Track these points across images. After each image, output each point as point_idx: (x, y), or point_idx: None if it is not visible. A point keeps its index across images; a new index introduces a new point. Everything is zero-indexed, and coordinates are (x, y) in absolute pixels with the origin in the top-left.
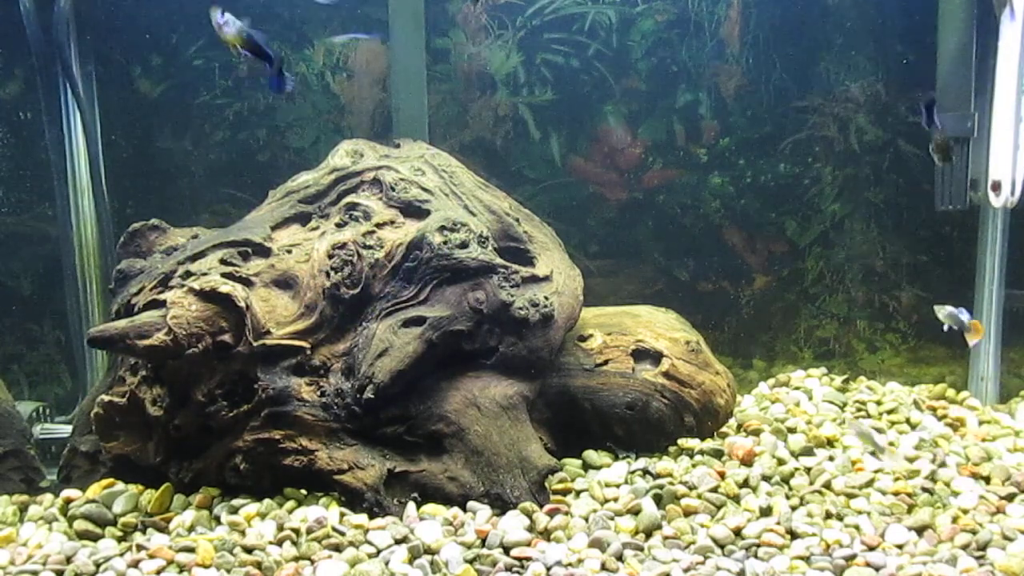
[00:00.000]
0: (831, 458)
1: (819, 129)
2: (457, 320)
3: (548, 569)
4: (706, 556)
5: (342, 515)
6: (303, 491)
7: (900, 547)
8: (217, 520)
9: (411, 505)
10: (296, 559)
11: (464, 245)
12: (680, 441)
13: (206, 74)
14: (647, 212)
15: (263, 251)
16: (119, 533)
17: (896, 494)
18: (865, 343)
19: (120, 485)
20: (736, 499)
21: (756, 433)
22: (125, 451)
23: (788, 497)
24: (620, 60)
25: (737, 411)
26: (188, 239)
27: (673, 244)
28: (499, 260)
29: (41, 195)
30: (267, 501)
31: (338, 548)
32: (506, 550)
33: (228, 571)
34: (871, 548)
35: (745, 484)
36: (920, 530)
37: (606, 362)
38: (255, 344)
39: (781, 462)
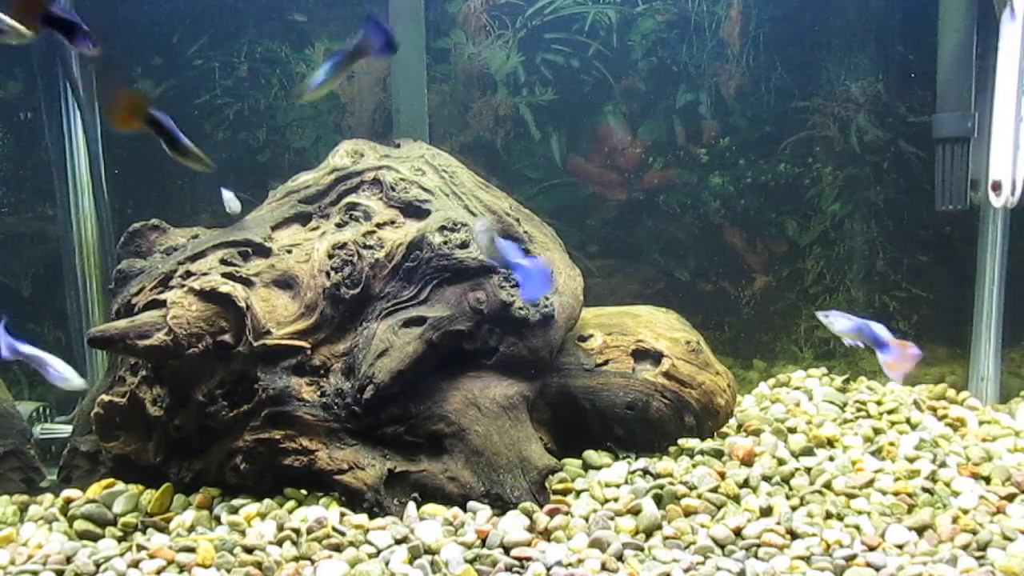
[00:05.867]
0: (831, 458)
1: (819, 129)
2: (457, 320)
3: (548, 569)
4: (706, 556)
5: (342, 515)
6: (303, 491)
7: (900, 547)
8: (217, 520)
9: (411, 505)
10: (296, 559)
11: (464, 245)
12: (680, 441)
13: (206, 74)
14: (647, 212)
15: (263, 251)
16: (119, 533)
17: (896, 494)
18: None
19: (120, 485)
20: (736, 499)
21: (756, 433)
22: (125, 451)
23: (788, 497)
24: (620, 60)
25: (737, 411)
26: (188, 239)
27: (673, 244)
28: None
29: (41, 195)
30: (267, 501)
31: (338, 548)
32: (506, 550)
33: (228, 571)
34: (871, 548)
35: (745, 484)
36: (920, 530)
37: (606, 362)
38: (255, 344)
39: (781, 462)
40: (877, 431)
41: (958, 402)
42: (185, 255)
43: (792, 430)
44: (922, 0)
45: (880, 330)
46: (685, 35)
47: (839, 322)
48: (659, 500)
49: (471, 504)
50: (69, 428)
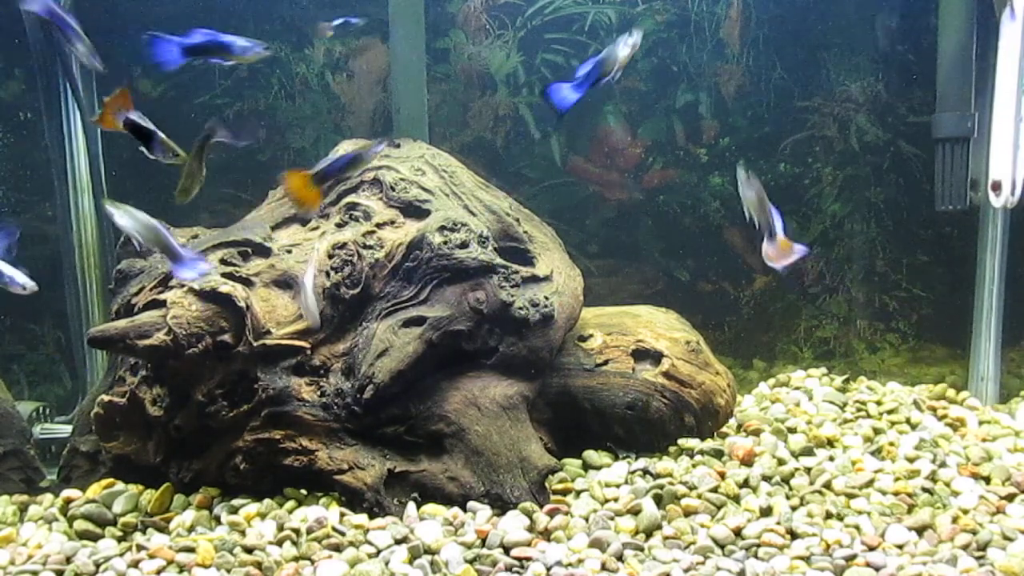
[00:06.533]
0: (831, 458)
1: (819, 129)
2: (457, 320)
3: (548, 569)
4: (706, 556)
5: (342, 515)
6: (303, 491)
7: (900, 547)
8: (217, 520)
9: (411, 505)
10: (296, 559)
11: (464, 245)
12: (680, 441)
13: (206, 74)
14: (647, 212)
15: (263, 251)
16: (119, 533)
17: (896, 494)
18: (865, 343)
19: (120, 485)
20: (736, 499)
21: (756, 433)
22: (125, 451)
23: (788, 497)
24: None
25: (737, 411)
26: (188, 239)
27: (673, 244)
28: (499, 260)
29: (41, 195)
30: (267, 501)
31: (338, 548)
32: (506, 550)
33: (228, 571)
34: (871, 548)
35: (745, 484)
36: (920, 530)
37: (606, 362)
38: (255, 344)
39: (781, 462)
40: (877, 431)
41: (958, 402)
42: None
43: (792, 430)
44: (922, 0)
45: (776, 221)
46: (685, 35)
47: (749, 189)
48: (659, 500)
49: (471, 504)
50: (69, 428)
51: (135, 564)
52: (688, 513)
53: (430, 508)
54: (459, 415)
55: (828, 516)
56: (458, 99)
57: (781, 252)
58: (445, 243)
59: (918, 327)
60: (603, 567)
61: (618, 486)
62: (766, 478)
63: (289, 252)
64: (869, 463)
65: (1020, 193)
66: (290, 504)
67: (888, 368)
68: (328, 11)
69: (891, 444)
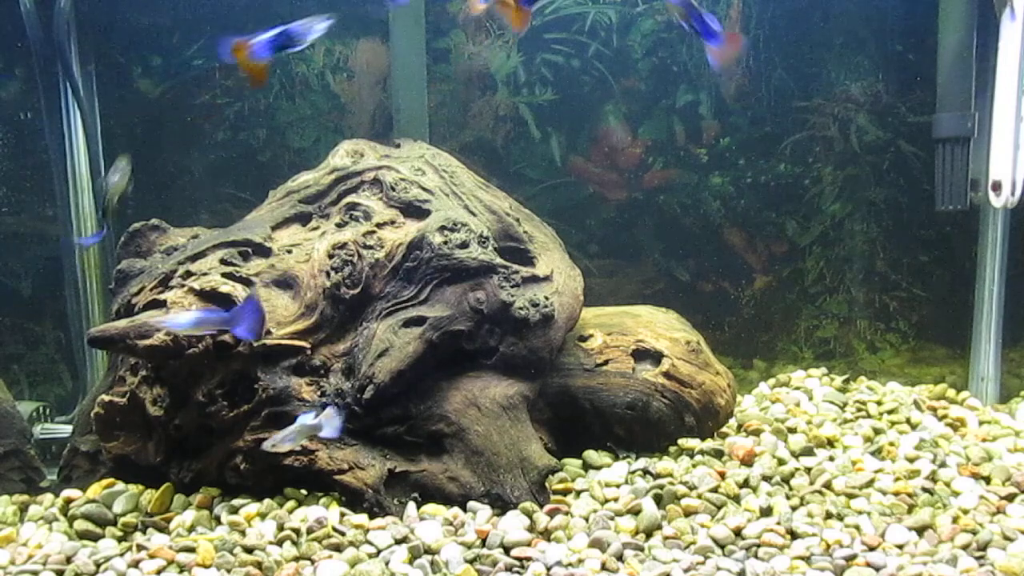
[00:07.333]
0: (831, 458)
1: (819, 129)
2: (457, 320)
3: (548, 569)
4: (706, 556)
5: (342, 515)
6: (303, 491)
7: (900, 547)
8: (217, 520)
9: (411, 505)
10: (296, 559)
11: (464, 245)
12: (680, 441)
13: (206, 74)
14: (647, 212)
15: (263, 251)
16: (119, 533)
17: (896, 494)
18: (865, 343)
19: (120, 485)
20: (736, 499)
21: (756, 433)
22: (125, 451)
23: (788, 497)
24: (620, 60)
25: (737, 411)
26: (188, 239)
27: (673, 244)
28: (499, 260)
29: (41, 195)
30: (267, 501)
31: (338, 548)
32: (506, 550)
33: (228, 571)
34: (871, 548)
35: (745, 484)
36: (920, 530)
37: (606, 362)
38: (255, 344)
39: (781, 462)
40: (877, 431)
41: (958, 402)
42: (185, 255)
43: (792, 430)
44: (922, 0)
45: (711, 21)
46: (685, 35)
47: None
48: (659, 500)
49: (471, 504)
50: (69, 428)
51: (135, 564)
52: (688, 513)
53: (430, 508)
54: (459, 415)
55: (828, 516)
56: (458, 99)
57: (732, 43)
58: (445, 243)
59: (918, 327)
60: (603, 567)
61: (618, 486)
62: (766, 478)
63: (289, 252)
64: (869, 463)
65: (1020, 193)
66: (290, 504)
67: (888, 368)
68: (328, 11)
69: (891, 444)
